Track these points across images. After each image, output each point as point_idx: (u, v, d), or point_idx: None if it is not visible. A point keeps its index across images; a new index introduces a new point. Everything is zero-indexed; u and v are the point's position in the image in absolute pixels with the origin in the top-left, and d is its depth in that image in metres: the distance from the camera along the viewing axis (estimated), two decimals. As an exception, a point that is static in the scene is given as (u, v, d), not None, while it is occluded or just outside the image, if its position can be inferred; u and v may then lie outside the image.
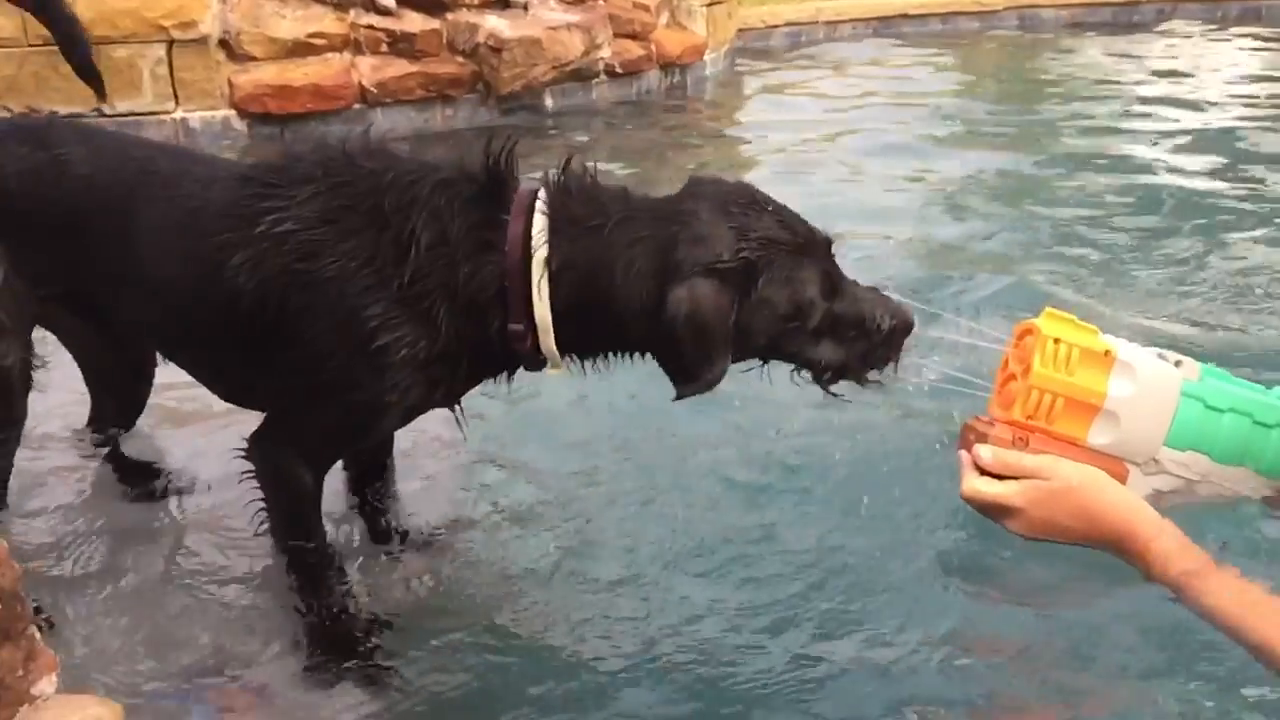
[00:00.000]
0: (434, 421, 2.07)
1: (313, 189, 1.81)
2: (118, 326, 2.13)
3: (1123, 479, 1.64)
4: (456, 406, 1.99)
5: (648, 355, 1.85)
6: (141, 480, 2.46)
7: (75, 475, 2.47)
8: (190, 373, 2.11)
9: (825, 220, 1.84)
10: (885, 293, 1.86)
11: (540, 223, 1.76)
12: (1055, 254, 3.85)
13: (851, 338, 1.80)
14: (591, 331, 1.82)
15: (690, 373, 1.75)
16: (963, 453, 1.67)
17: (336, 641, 1.93)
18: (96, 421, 2.49)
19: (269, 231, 1.79)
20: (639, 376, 1.94)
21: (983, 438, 1.65)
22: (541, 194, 1.79)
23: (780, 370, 1.89)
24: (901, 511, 2.20)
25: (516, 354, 1.83)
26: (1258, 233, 4.14)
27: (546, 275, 1.75)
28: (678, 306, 1.69)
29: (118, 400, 2.46)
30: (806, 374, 1.86)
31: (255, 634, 2.00)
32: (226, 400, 2.12)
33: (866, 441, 2.45)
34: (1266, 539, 1.88)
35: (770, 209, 1.79)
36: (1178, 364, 1.70)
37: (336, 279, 1.77)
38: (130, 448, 2.50)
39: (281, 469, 1.94)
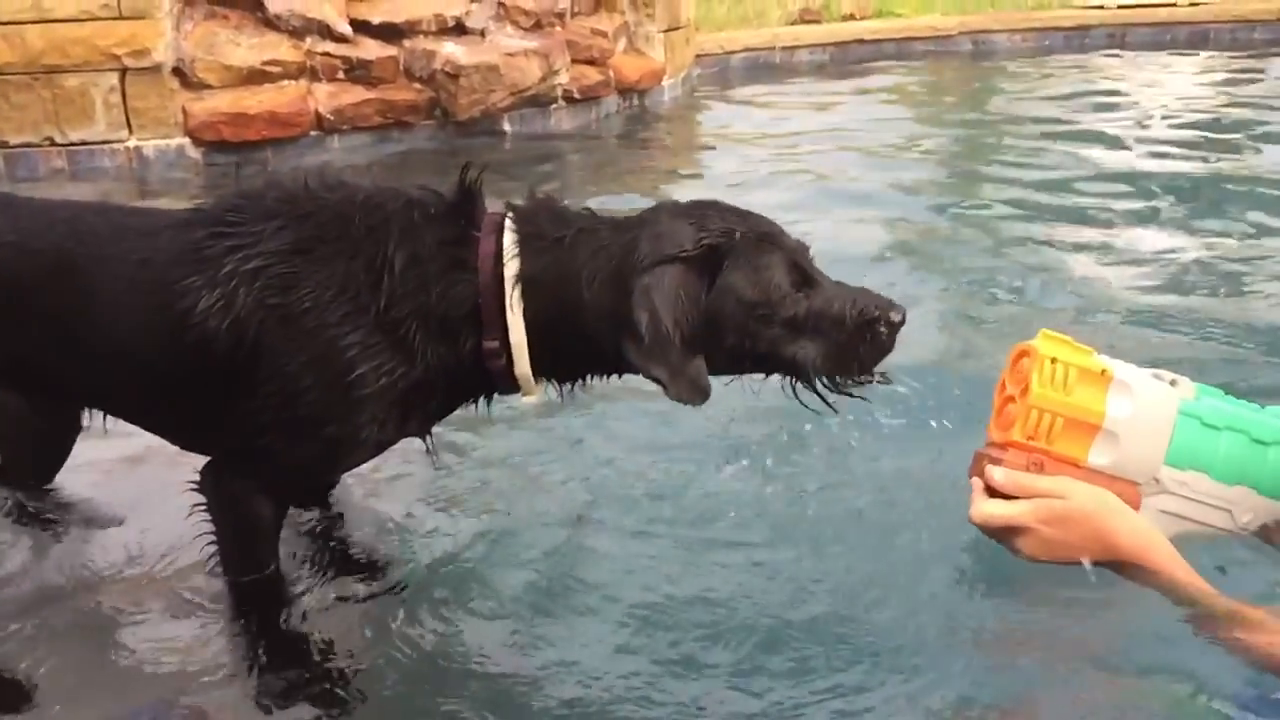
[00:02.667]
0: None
1: (278, 223, 1.78)
2: (55, 393, 2.06)
3: (1135, 503, 1.65)
4: (428, 436, 1.97)
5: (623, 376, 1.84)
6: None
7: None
8: (140, 424, 2.04)
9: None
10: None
11: (510, 238, 1.77)
12: (1036, 281, 3.86)
13: (832, 335, 1.76)
14: (564, 346, 1.80)
15: (660, 363, 1.70)
16: (975, 480, 1.68)
17: (287, 668, 1.88)
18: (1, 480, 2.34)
19: (237, 270, 1.76)
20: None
21: (996, 463, 1.65)
22: (510, 214, 1.80)
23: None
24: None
25: (490, 375, 1.81)
26: (1230, 247, 4.21)
27: (519, 289, 1.75)
28: (640, 293, 1.68)
29: (37, 465, 2.34)
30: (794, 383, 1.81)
31: (203, 662, 1.94)
32: (182, 447, 2.05)
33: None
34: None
35: (735, 211, 1.80)
36: (1173, 383, 1.70)
37: (313, 310, 1.74)
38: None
39: (241, 502, 1.89)
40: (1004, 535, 1.65)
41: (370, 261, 1.75)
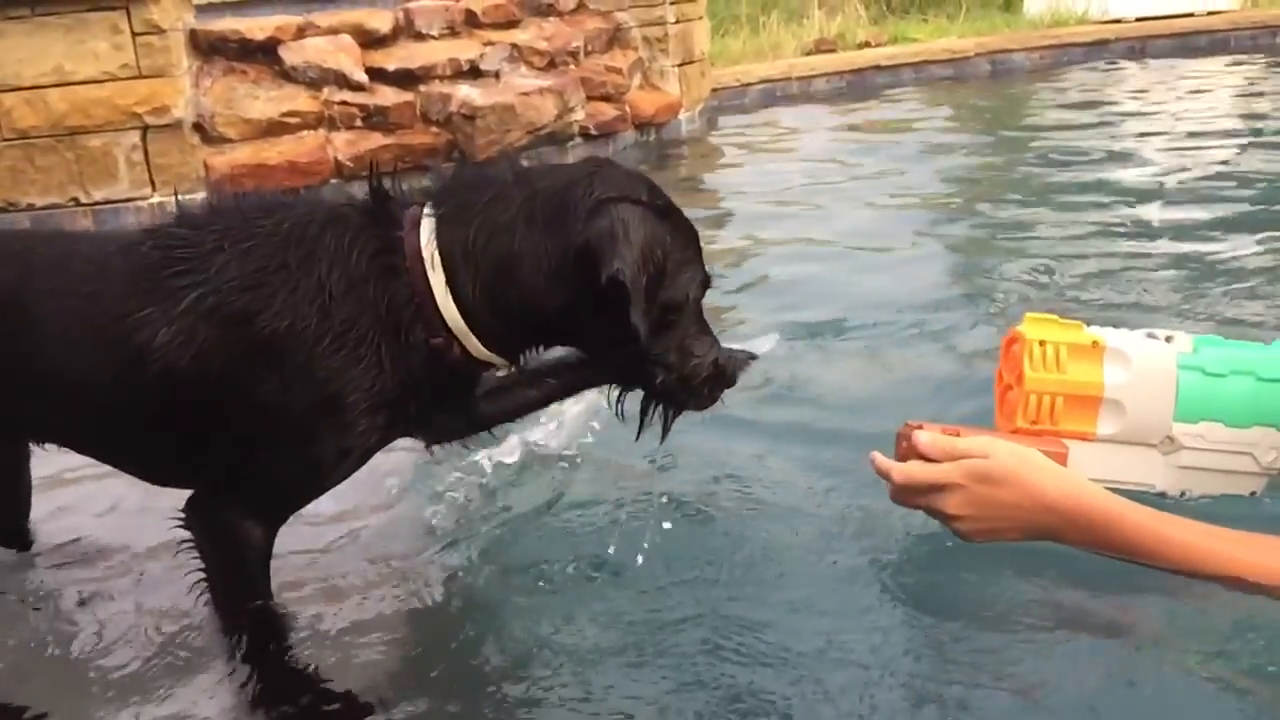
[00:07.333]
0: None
1: (223, 259, 1.75)
2: (20, 432, 2.06)
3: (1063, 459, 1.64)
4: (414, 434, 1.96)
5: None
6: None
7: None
8: (107, 462, 2.02)
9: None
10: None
11: (429, 225, 1.73)
12: (1077, 297, 3.79)
13: (692, 363, 1.78)
14: (512, 315, 1.75)
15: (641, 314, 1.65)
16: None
17: (289, 705, 1.82)
18: None
19: (194, 308, 1.73)
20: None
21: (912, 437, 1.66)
22: (427, 202, 1.76)
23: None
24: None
25: (454, 368, 1.78)
26: (1260, 250, 4.14)
27: (443, 276, 1.71)
28: (603, 214, 1.66)
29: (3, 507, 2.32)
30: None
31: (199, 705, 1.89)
32: (149, 481, 2.03)
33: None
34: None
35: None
36: (1169, 339, 1.70)
37: (271, 342, 1.72)
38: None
39: (231, 530, 1.85)
40: (934, 502, 1.62)
41: (309, 291, 1.72)
